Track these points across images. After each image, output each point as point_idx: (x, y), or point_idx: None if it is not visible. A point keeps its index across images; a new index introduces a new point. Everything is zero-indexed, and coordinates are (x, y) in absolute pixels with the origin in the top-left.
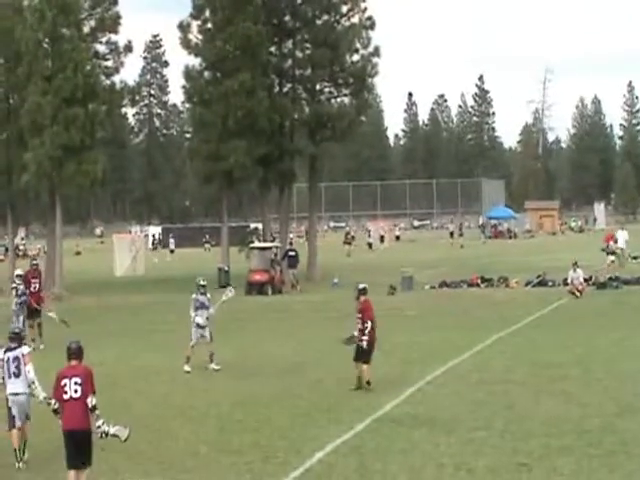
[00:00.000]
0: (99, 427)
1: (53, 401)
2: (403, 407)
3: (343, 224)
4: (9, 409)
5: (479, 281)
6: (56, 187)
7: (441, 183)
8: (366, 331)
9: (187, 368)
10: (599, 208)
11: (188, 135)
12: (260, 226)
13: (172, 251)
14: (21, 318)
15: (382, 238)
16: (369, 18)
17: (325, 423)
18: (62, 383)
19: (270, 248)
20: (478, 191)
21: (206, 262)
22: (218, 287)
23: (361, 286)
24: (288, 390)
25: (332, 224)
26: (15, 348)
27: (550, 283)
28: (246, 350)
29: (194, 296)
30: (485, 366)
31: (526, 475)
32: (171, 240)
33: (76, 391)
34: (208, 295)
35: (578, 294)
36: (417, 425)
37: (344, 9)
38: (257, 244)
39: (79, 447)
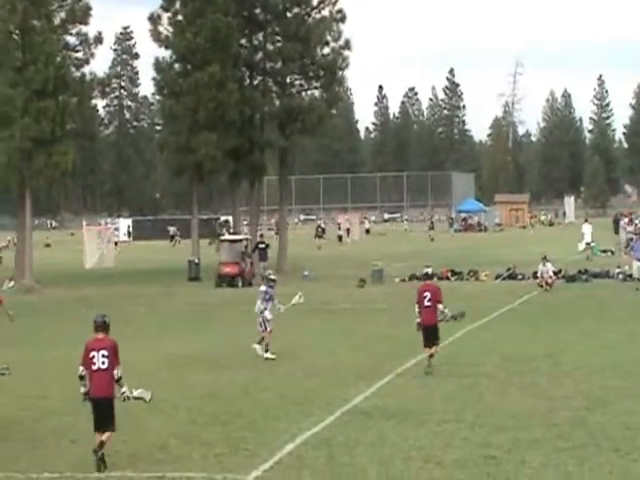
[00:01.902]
0: (123, 393)
1: (81, 368)
2: (373, 400)
3: (314, 217)
4: None
5: (449, 274)
6: (26, 179)
7: (411, 176)
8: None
9: (270, 355)
10: (569, 202)
11: (158, 127)
12: (230, 219)
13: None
14: None
15: (348, 231)
16: (340, 11)
17: (295, 416)
18: (90, 355)
19: (240, 240)
20: (448, 184)
21: (176, 255)
22: (188, 279)
23: (426, 270)
24: (258, 382)
25: (302, 217)
26: None
27: (520, 276)
28: (216, 342)
29: (263, 288)
30: (455, 359)
31: (495, 468)
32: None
33: (103, 363)
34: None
35: (547, 287)
36: (386, 418)
37: (315, 2)
38: (227, 237)
39: (104, 412)
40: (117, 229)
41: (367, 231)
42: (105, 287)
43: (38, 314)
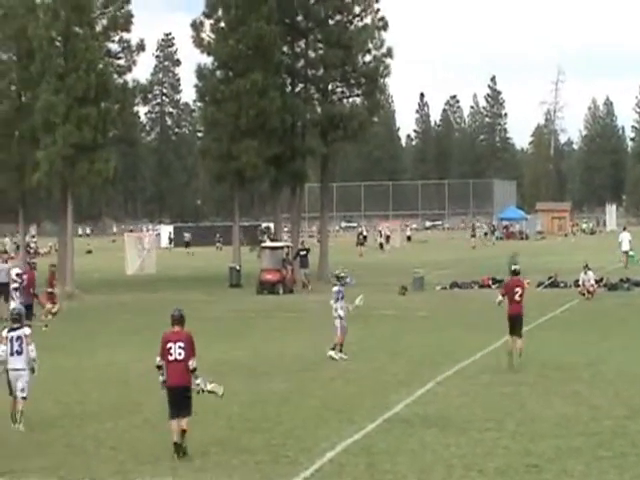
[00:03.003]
0: (198, 385)
1: (158, 358)
2: (414, 407)
3: (355, 224)
4: (9, 382)
5: (490, 282)
6: (68, 185)
7: (453, 184)
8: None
9: (342, 356)
10: (610, 210)
11: (200, 134)
12: (272, 225)
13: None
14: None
15: (388, 238)
16: (382, 19)
17: (336, 423)
18: (167, 346)
19: (282, 247)
20: (490, 192)
21: (218, 261)
22: (229, 286)
23: (513, 267)
24: (299, 389)
25: (343, 224)
26: (17, 328)
27: (561, 284)
28: (257, 349)
29: (336, 288)
30: (496, 367)
31: (536, 476)
32: (186, 235)
33: (180, 354)
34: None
35: (589, 296)
36: (428, 425)
37: (357, 10)
38: (269, 243)
39: (180, 400)
40: (158, 235)
41: (408, 238)
42: (146, 293)
43: (78, 320)
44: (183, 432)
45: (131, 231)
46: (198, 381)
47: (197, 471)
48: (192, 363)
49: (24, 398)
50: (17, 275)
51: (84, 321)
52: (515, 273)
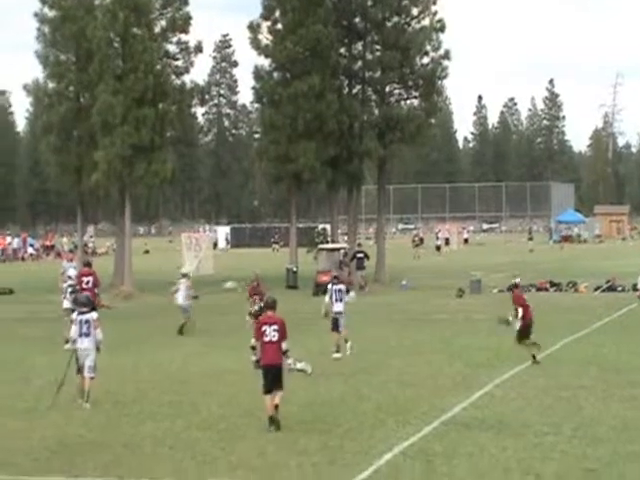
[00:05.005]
0: (289, 364)
1: (253, 340)
2: (471, 410)
3: (411, 226)
4: (77, 360)
5: (548, 285)
6: (126, 186)
7: (510, 186)
8: (518, 316)
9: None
10: None
11: (257, 135)
12: (328, 227)
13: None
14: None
15: (447, 241)
16: (439, 21)
17: (393, 425)
18: (262, 329)
19: (338, 249)
20: (547, 195)
21: (274, 262)
22: (286, 287)
23: (513, 281)
24: (355, 392)
25: (400, 226)
26: (86, 312)
27: (619, 288)
28: (313, 351)
29: (330, 286)
30: (553, 371)
31: None
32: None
33: (274, 336)
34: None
35: None
36: (485, 429)
37: (415, 11)
38: (326, 245)
39: (273, 377)
40: (215, 236)
41: (465, 241)
42: (203, 294)
43: (135, 320)
44: (276, 407)
45: (187, 232)
46: (289, 361)
47: (254, 471)
48: (284, 345)
49: (92, 378)
50: (68, 277)
51: (140, 321)
52: (511, 287)
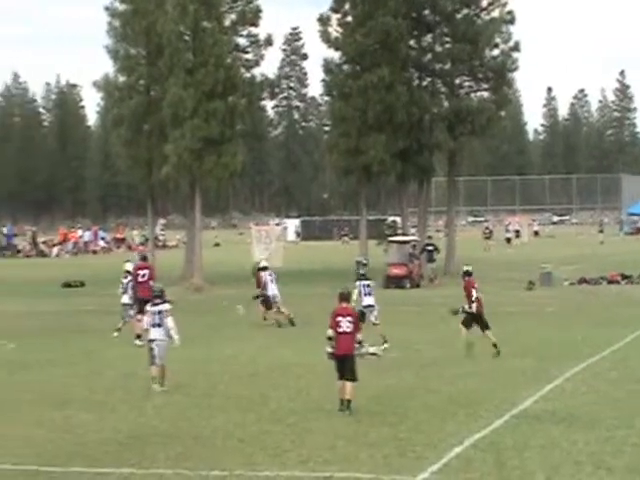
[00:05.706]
0: (361, 352)
1: (330, 331)
2: (542, 403)
3: (481, 219)
4: (151, 349)
5: (619, 278)
6: (196, 179)
7: (580, 178)
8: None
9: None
10: None
11: (327, 128)
12: (398, 219)
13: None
14: (131, 312)
15: (517, 233)
16: (509, 12)
17: (463, 418)
18: (337, 319)
19: (409, 242)
20: (618, 187)
21: (344, 255)
22: (355, 280)
23: (465, 269)
24: (425, 384)
25: (470, 219)
26: (159, 304)
27: None
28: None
29: (357, 283)
30: (625, 364)
31: None
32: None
33: (348, 327)
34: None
35: None
36: (555, 422)
37: (484, 3)
38: (396, 237)
39: (347, 366)
40: (285, 229)
41: (536, 233)
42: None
43: (206, 313)
44: (348, 402)
45: (257, 224)
46: (363, 350)
47: (325, 464)
48: (359, 336)
49: (163, 365)
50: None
51: (211, 314)
52: (465, 274)
